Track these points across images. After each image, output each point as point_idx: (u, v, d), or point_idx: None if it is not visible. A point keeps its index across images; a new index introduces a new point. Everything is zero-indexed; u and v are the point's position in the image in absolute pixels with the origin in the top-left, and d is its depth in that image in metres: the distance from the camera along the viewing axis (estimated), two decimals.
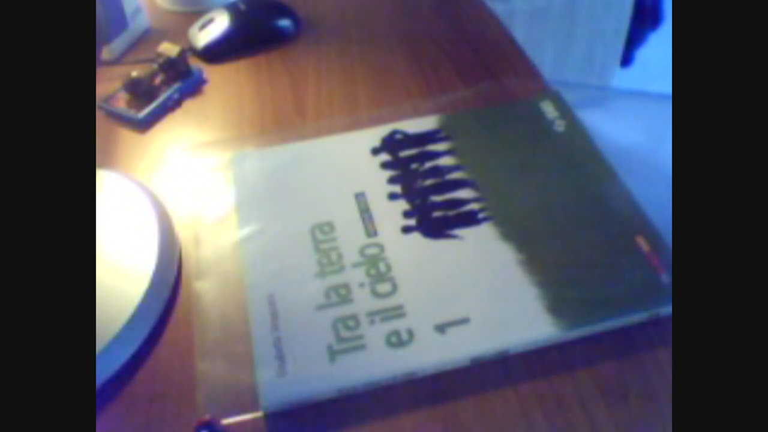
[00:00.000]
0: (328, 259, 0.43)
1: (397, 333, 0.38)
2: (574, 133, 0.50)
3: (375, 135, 0.51)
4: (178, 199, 0.49)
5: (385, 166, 0.49)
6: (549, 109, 0.52)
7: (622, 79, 1.53)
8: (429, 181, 0.47)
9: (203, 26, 0.63)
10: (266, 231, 0.45)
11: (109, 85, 0.58)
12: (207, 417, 0.35)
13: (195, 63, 0.61)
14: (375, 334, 0.38)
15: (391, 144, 0.51)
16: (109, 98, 0.57)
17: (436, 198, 0.46)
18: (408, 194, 0.47)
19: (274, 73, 0.61)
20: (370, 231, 0.44)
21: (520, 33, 0.61)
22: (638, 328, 0.39)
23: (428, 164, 0.49)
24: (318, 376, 0.37)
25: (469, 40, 0.63)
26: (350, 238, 0.44)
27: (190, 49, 0.62)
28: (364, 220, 0.45)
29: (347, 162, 0.49)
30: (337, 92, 0.58)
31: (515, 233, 0.43)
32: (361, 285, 0.41)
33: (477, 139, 0.51)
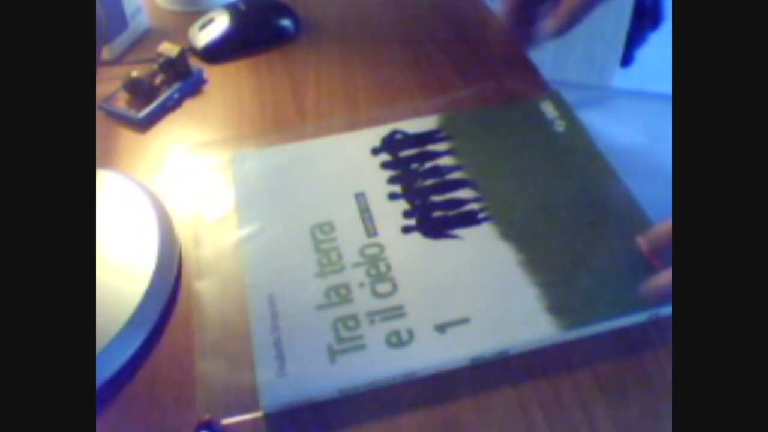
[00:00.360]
0: (328, 259, 0.43)
1: (397, 333, 0.38)
2: (575, 133, 0.50)
3: (375, 135, 0.51)
4: (178, 199, 0.49)
5: (385, 166, 0.49)
6: (549, 109, 0.52)
7: (622, 79, 1.53)
8: (429, 181, 0.47)
9: (203, 26, 0.63)
10: (266, 231, 0.45)
11: (109, 85, 0.58)
12: (207, 417, 0.35)
13: (195, 63, 0.61)
14: (375, 334, 0.38)
15: (391, 144, 0.51)
16: (109, 98, 0.57)
17: (436, 198, 0.46)
18: (408, 194, 0.47)
19: (274, 73, 0.61)
20: (370, 231, 0.44)
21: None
22: (638, 328, 0.39)
23: (428, 164, 0.49)
24: (318, 376, 0.37)
25: (469, 40, 0.63)
26: (350, 238, 0.44)
27: (190, 49, 0.62)
28: (364, 220, 0.45)
29: (347, 162, 0.49)
30: (337, 92, 0.58)
31: (515, 233, 0.43)
32: (361, 285, 0.41)
33: (477, 139, 0.51)
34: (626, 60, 1.55)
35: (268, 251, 0.43)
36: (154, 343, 0.40)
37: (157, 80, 0.58)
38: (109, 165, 0.52)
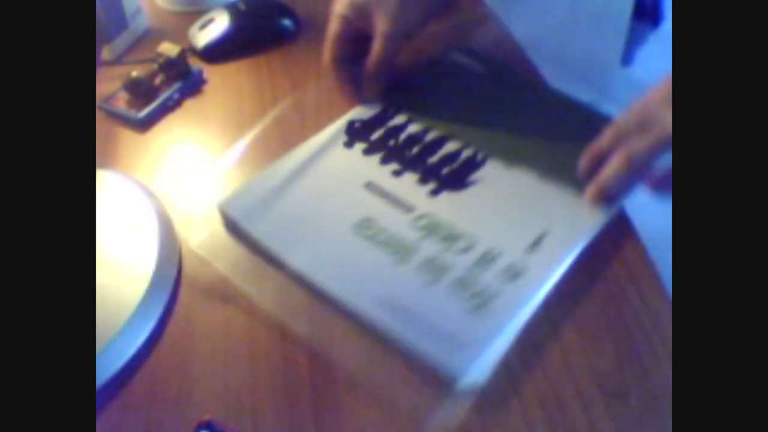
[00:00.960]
0: (393, 247, 0.43)
1: (507, 270, 0.41)
2: (494, 68, 0.56)
3: (337, 131, 0.51)
4: (178, 199, 0.49)
5: (367, 152, 0.49)
6: (463, 60, 0.57)
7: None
8: (415, 149, 0.49)
9: (203, 26, 0.63)
10: (317, 252, 0.43)
11: (109, 85, 0.58)
12: (207, 417, 0.35)
13: (195, 63, 0.61)
14: (491, 279, 0.40)
15: (356, 133, 0.51)
16: (109, 98, 0.57)
17: (433, 159, 0.48)
18: (408, 166, 0.48)
19: (274, 73, 0.61)
20: (406, 208, 0.45)
21: (520, 33, 0.62)
22: (638, 327, 0.39)
23: (402, 136, 0.50)
24: (480, 336, 0.38)
25: (469, 40, 0.62)
26: (395, 221, 0.44)
27: (190, 49, 0.62)
28: (392, 203, 0.45)
29: (333, 163, 0.49)
30: (337, 92, 0.57)
31: (515, 158, 0.47)
32: (442, 251, 0.42)
33: (421, 103, 0.53)
34: (626, 60, 1.55)
35: (336, 269, 0.42)
36: (154, 343, 0.40)
37: (157, 80, 0.58)
38: (109, 165, 0.52)
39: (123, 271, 0.42)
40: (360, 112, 0.53)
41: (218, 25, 0.63)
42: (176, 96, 0.58)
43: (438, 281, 0.41)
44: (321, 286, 0.41)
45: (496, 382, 0.37)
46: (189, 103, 0.58)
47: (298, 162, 0.49)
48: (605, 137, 0.44)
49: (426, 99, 0.54)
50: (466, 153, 0.48)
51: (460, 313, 0.39)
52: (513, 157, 0.47)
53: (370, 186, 0.47)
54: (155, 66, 0.58)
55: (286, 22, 0.64)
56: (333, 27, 0.54)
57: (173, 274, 0.43)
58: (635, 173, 0.42)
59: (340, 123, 0.52)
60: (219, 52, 0.62)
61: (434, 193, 0.46)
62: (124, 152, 0.54)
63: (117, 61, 0.63)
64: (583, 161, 0.45)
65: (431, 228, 0.44)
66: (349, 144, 0.50)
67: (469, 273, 0.41)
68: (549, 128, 0.50)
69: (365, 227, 0.44)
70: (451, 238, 0.43)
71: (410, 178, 0.47)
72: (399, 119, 0.52)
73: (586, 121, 0.50)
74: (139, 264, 0.42)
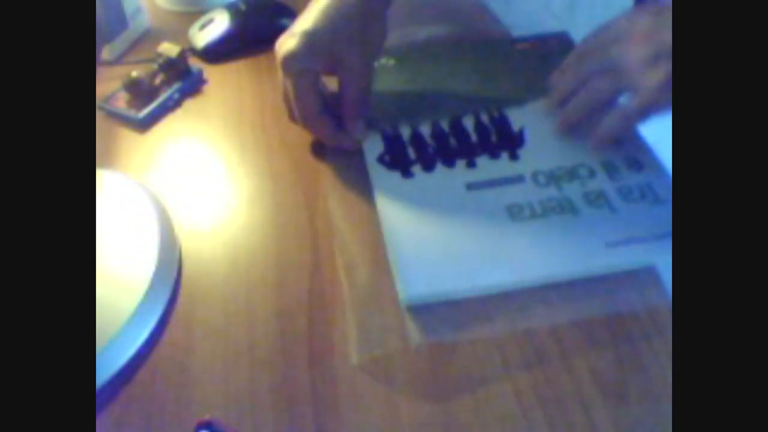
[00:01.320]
0: (552, 209, 0.44)
1: (629, 167, 0.47)
2: (409, 55, 0.60)
3: (382, 177, 0.48)
4: (178, 199, 0.49)
5: (427, 169, 0.48)
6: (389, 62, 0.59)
7: None
8: (452, 141, 0.50)
9: (203, 26, 0.63)
10: (516, 259, 0.42)
11: (109, 85, 0.58)
12: (207, 417, 0.35)
13: (195, 63, 0.61)
14: (631, 179, 0.46)
15: (397, 163, 0.49)
16: (109, 98, 0.57)
17: (474, 138, 0.50)
18: (469, 155, 0.49)
19: (274, 73, 0.60)
20: (515, 180, 0.47)
21: (520, 33, 0.62)
22: (638, 327, 0.39)
23: (428, 140, 0.50)
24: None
25: (465, 39, 0.62)
26: (525, 193, 0.46)
27: (190, 49, 0.62)
28: (503, 184, 0.47)
29: (418, 196, 0.47)
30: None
31: (519, 100, 0.52)
32: (583, 185, 0.46)
33: (400, 107, 0.54)
34: None
35: (544, 258, 0.42)
36: (154, 343, 0.40)
37: (157, 80, 0.58)
38: (109, 165, 0.52)
39: (123, 271, 0.42)
40: (371, 147, 0.50)
41: (218, 25, 0.63)
42: (176, 96, 0.58)
43: (611, 206, 0.44)
44: (551, 276, 0.41)
45: (497, 382, 0.37)
46: (189, 103, 0.58)
47: (396, 218, 0.45)
48: (569, 57, 0.51)
49: (398, 103, 0.55)
50: (485, 118, 0.51)
51: (655, 211, 0.43)
52: (515, 98, 0.53)
53: (471, 186, 0.47)
54: (155, 66, 0.58)
55: (286, 22, 0.64)
56: (301, 87, 0.48)
57: (173, 274, 0.43)
58: (585, 95, 0.49)
59: (373, 168, 0.49)
60: (219, 52, 0.62)
61: (513, 157, 0.49)
62: (124, 152, 0.54)
63: (117, 61, 0.63)
64: (552, 79, 0.52)
65: (552, 178, 0.47)
66: (406, 174, 0.48)
67: (617, 185, 0.45)
68: (519, 63, 0.57)
69: (517, 213, 0.45)
70: (572, 175, 0.47)
71: (482, 161, 0.49)
72: (406, 130, 0.51)
73: (549, 46, 0.59)
74: (139, 264, 0.42)
